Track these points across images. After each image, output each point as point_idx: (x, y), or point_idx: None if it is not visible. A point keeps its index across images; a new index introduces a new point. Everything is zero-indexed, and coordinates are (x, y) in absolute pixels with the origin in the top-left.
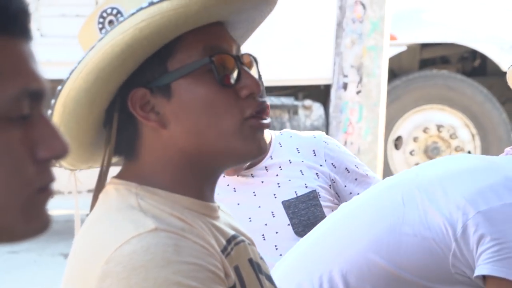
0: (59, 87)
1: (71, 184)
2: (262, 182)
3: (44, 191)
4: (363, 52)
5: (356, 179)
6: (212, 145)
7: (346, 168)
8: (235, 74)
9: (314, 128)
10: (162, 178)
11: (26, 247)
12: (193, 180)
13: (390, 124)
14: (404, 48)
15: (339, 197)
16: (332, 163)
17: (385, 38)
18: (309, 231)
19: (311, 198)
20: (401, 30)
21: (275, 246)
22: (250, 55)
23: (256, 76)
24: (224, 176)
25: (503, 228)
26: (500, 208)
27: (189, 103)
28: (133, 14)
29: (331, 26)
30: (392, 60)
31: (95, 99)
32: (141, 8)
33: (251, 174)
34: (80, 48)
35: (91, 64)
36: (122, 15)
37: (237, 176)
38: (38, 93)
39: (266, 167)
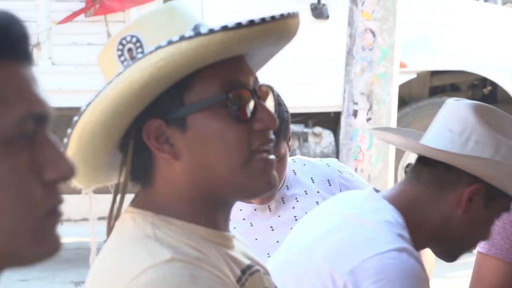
0: (75, 118)
1: (84, 211)
2: (279, 216)
3: (53, 213)
4: (373, 80)
5: None
6: (222, 179)
7: None
8: (251, 108)
9: (324, 155)
10: (177, 208)
11: (37, 275)
12: (207, 210)
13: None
14: (414, 76)
15: None
16: None
17: (395, 66)
18: None
19: None
20: (411, 57)
21: None
22: (268, 86)
23: (272, 106)
24: (241, 210)
25: (366, 285)
26: (361, 265)
27: (203, 137)
28: (151, 52)
29: (341, 53)
30: (402, 88)
31: (112, 131)
32: (160, 47)
33: (269, 207)
34: (91, 77)
35: (108, 99)
36: (141, 44)
37: (254, 210)
38: (42, 116)
39: (282, 198)
